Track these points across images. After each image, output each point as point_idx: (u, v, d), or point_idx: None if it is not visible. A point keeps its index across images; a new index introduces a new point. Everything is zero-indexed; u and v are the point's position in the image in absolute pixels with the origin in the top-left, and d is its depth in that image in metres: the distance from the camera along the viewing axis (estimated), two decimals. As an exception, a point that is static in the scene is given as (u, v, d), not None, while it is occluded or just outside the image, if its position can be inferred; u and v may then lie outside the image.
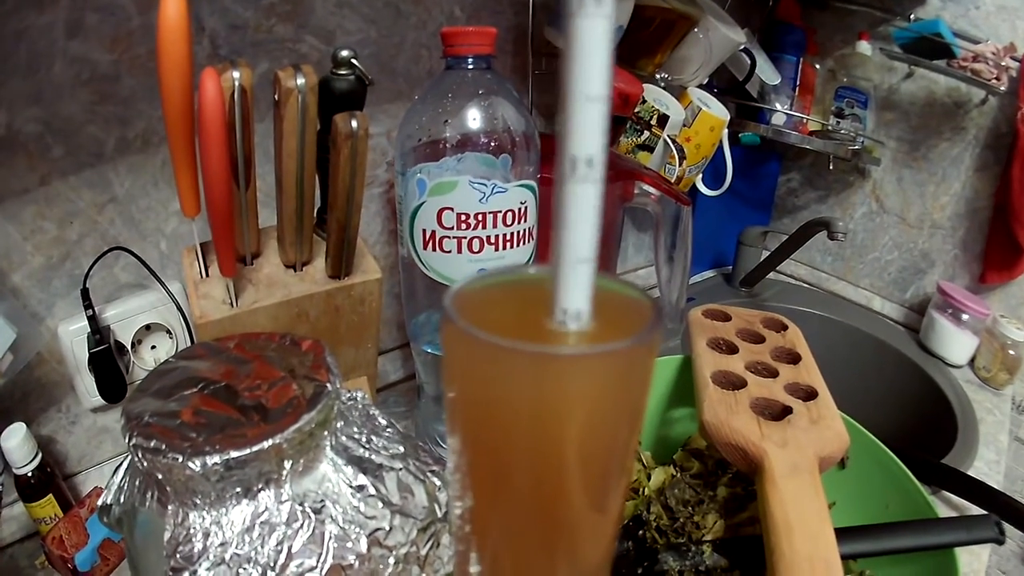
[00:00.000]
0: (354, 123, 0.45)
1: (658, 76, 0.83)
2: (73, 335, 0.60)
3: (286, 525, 0.31)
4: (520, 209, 0.54)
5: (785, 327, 0.59)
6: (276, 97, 0.46)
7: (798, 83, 1.00)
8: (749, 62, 0.90)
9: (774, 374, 0.52)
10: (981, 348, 0.91)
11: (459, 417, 0.22)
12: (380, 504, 0.34)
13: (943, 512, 0.46)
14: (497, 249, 0.54)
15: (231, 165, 0.46)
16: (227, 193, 0.45)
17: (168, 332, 0.65)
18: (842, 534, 0.45)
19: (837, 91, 1.00)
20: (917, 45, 0.85)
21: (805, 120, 1.00)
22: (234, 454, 0.30)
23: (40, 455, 0.58)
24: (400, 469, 0.36)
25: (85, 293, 0.58)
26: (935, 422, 0.86)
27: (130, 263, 0.63)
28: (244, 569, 0.30)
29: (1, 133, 0.53)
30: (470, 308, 0.20)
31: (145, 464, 0.31)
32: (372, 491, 0.34)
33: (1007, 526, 0.54)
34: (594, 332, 0.19)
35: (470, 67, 0.52)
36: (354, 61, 0.49)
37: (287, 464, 0.32)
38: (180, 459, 0.30)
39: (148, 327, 0.64)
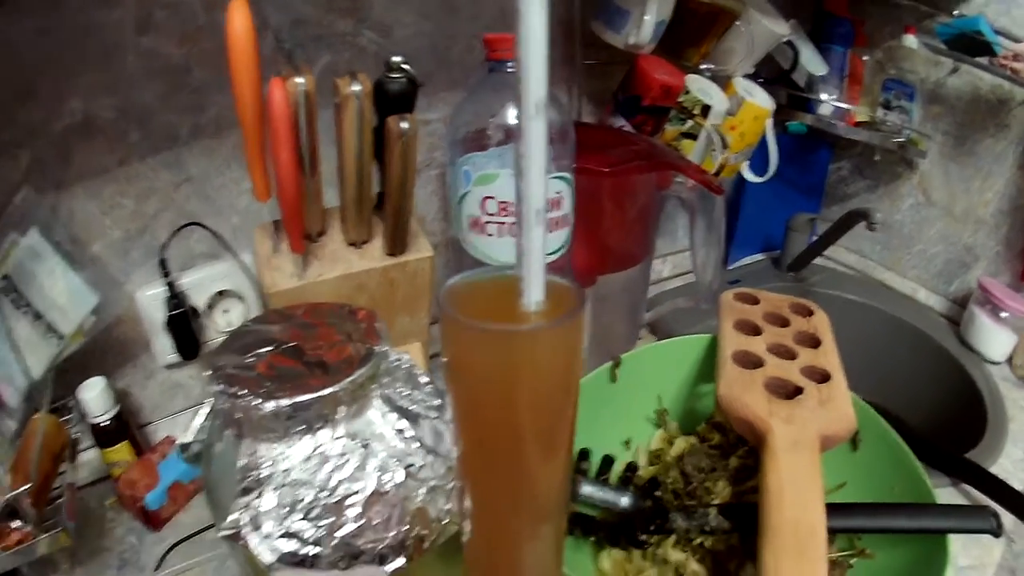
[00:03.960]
0: (404, 125, 0.51)
1: (703, 66, 0.85)
2: (150, 300, 0.66)
3: (338, 457, 0.37)
4: (556, 198, 0.58)
5: (811, 313, 0.60)
6: (336, 101, 0.51)
7: (846, 73, 1.00)
8: (792, 54, 0.91)
9: (793, 356, 0.53)
10: (1019, 346, 0.90)
11: (451, 377, 0.30)
12: (416, 444, 0.40)
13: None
14: (535, 232, 0.58)
15: (298, 159, 0.51)
16: (295, 184, 0.51)
17: (239, 298, 0.71)
18: (839, 508, 0.46)
19: (884, 83, 0.99)
20: (959, 41, 0.84)
21: (852, 111, 1.00)
22: (299, 399, 0.36)
23: (118, 405, 0.64)
24: (435, 418, 0.42)
25: (163, 262, 0.64)
26: (966, 416, 0.86)
27: (204, 236, 0.67)
28: (303, 489, 0.36)
29: (79, 119, 0.57)
30: (458, 298, 0.29)
31: (227, 406, 0.37)
32: (410, 434, 0.40)
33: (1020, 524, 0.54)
34: (546, 312, 0.27)
35: (510, 71, 0.56)
36: (404, 66, 0.53)
37: (342, 409, 0.38)
38: (257, 402, 0.36)
39: (221, 293, 0.70)
